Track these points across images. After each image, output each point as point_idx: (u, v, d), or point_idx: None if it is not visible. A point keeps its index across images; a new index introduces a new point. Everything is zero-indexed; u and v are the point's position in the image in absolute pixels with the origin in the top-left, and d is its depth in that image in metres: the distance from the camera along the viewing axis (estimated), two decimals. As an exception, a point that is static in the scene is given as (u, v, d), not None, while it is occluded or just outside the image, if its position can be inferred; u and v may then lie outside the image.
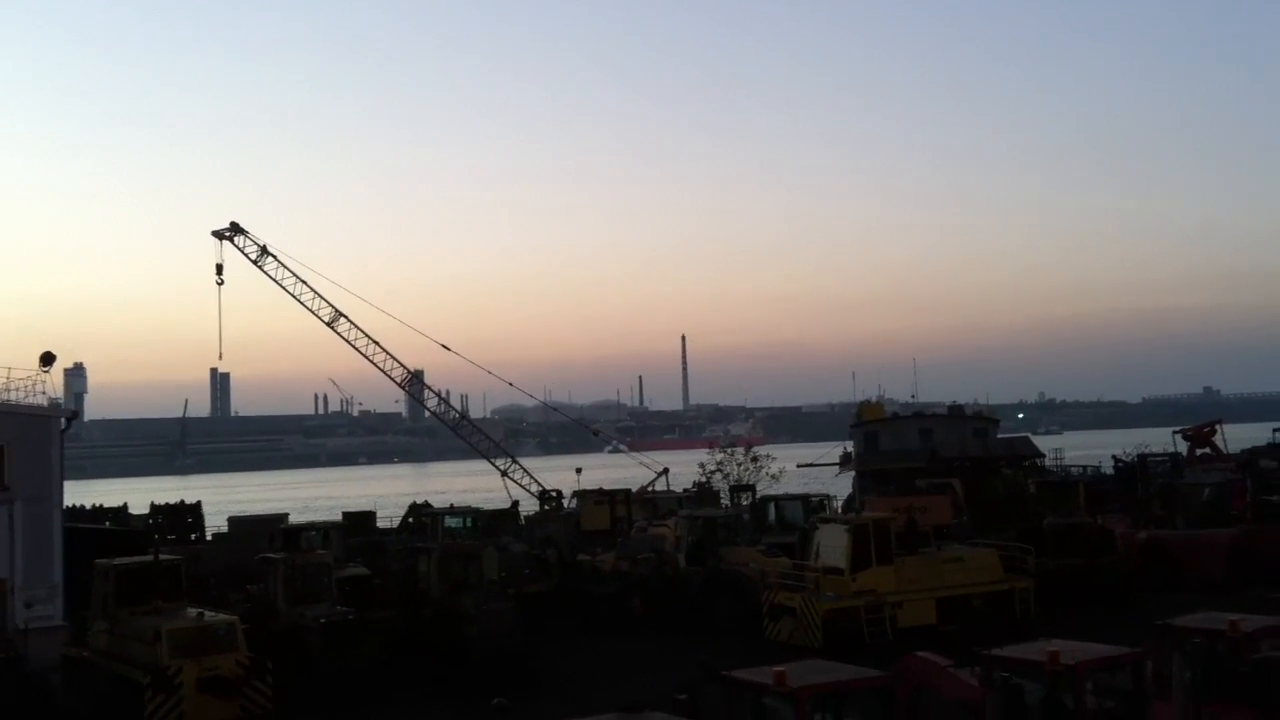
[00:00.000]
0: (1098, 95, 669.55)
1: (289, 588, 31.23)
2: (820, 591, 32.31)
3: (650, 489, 65.54)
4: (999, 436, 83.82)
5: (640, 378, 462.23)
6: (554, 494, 63.01)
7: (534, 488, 68.83)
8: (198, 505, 57.99)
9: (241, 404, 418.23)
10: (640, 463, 73.97)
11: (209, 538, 56.02)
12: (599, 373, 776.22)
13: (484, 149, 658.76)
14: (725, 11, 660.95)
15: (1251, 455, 65.45)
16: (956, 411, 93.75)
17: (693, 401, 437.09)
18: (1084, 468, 73.29)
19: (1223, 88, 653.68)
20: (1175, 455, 66.02)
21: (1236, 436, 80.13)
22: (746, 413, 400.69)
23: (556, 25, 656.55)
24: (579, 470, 69.87)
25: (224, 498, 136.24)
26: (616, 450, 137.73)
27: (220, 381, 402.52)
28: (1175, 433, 74.94)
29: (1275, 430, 78.89)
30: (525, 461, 76.96)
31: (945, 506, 44.94)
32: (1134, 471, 57.78)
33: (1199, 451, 70.96)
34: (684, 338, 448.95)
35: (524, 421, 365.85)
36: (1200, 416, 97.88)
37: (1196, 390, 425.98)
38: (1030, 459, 75.67)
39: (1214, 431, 73.35)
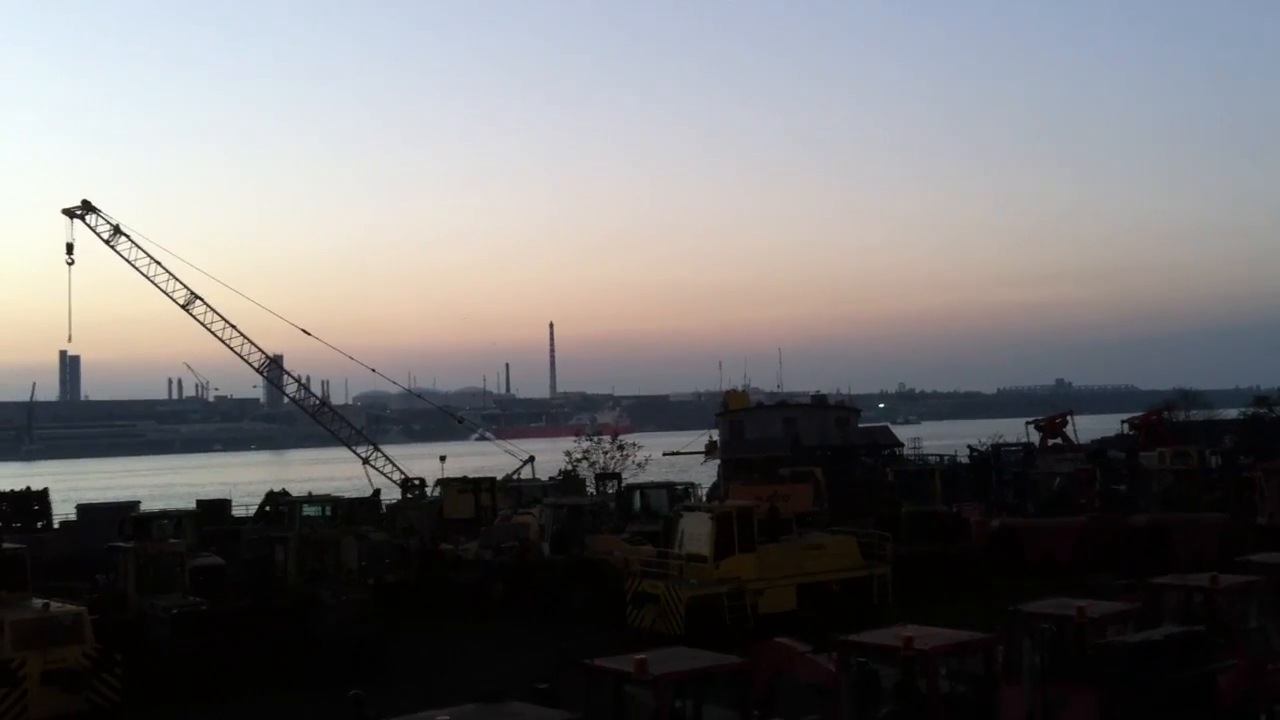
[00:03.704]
0: (962, 91, 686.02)
1: (139, 578, 30.40)
2: (684, 579, 32.50)
3: (515, 477, 65.20)
4: (860, 426, 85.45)
5: (507, 365, 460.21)
6: (417, 482, 62.27)
7: (396, 476, 67.97)
8: (45, 492, 56.03)
9: (92, 388, 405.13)
10: (506, 450, 73.45)
11: (56, 526, 54.23)
12: (465, 359, 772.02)
13: (347, 130, 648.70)
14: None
15: (1100, 446, 67.52)
16: (819, 401, 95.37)
17: (560, 389, 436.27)
18: (940, 457, 74.87)
19: (1078, 87, 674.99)
20: (1028, 445, 67.84)
21: (1086, 428, 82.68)
22: (614, 401, 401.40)
23: (421, 3, 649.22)
24: (443, 458, 69.14)
25: (73, 485, 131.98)
26: (482, 438, 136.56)
27: (70, 364, 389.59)
28: (1028, 423, 77.03)
29: (1123, 422, 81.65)
30: (388, 449, 75.80)
31: (807, 494, 45.60)
32: (988, 461, 59.16)
33: (1051, 442, 73.08)
34: (551, 325, 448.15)
35: (387, 408, 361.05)
36: (1053, 408, 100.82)
37: (1049, 382, 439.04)
38: (889, 448, 77.21)
39: (1065, 422, 75.62)
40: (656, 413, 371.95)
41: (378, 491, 61.78)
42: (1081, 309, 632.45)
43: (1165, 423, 77.52)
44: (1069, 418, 76.57)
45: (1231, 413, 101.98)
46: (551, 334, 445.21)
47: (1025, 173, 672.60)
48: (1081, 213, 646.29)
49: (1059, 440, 73.65)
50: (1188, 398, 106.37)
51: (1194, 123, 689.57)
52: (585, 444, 78.68)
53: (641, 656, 14.28)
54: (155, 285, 67.74)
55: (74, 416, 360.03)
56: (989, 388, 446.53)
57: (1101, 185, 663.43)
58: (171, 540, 35.26)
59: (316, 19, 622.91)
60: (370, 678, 24.90)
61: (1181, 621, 19.08)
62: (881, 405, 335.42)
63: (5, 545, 29.78)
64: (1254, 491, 43.81)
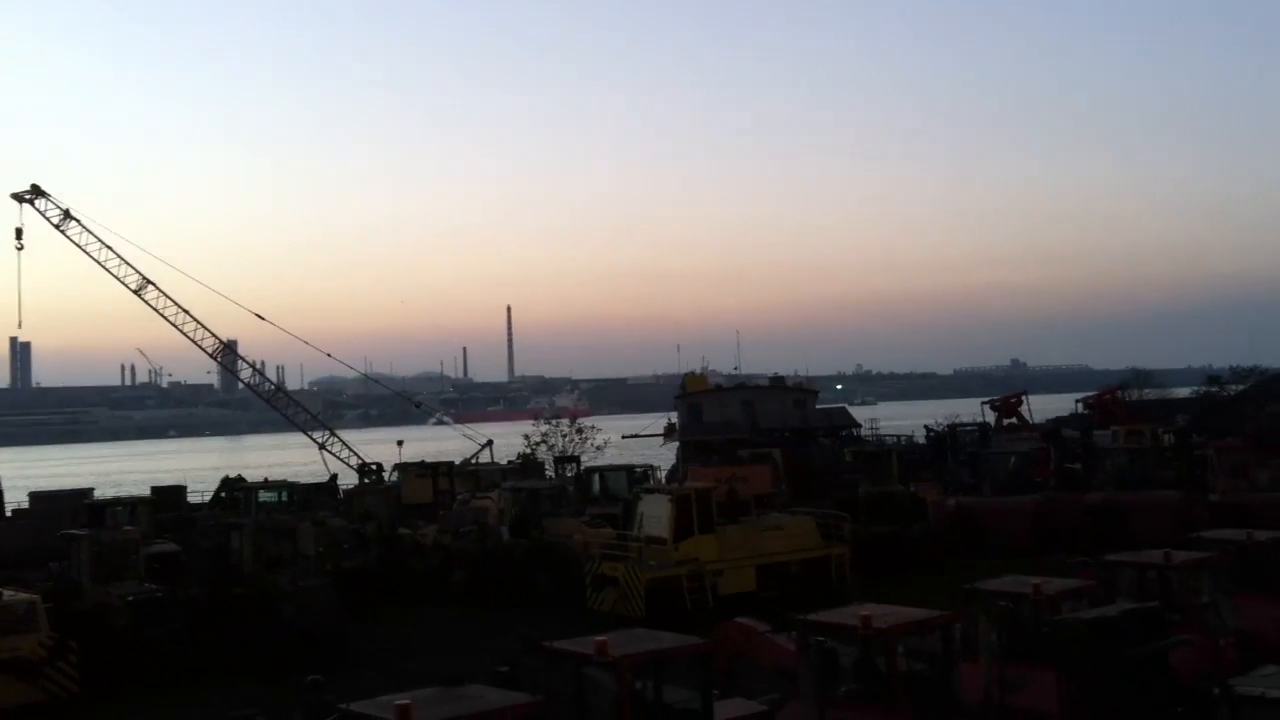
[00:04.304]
0: (917, 74, 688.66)
1: (94, 565, 30.02)
2: (643, 561, 32.53)
3: (474, 461, 65.04)
4: (818, 407, 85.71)
5: (464, 349, 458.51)
6: (374, 467, 62.01)
7: (353, 461, 67.65)
8: (-4, 480, 55.46)
9: (43, 375, 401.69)
10: (464, 435, 73.31)
11: (9, 514, 53.64)
12: (422, 344, 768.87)
13: (304, 116, 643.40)
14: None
15: (1055, 425, 68.19)
16: (778, 383, 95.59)
17: (518, 373, 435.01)
18: (898, 437, 75.30)
19: (1032, 70, 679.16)
20: (984, 425, 68.28)
21: (1041, 407, 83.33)
22: (572, 384, 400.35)
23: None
24: (400, 443, 68.91)
25: (25, 472, 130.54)
26: (440, 422, 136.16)
27: (20, 351, 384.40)
28: (984, 403, 77.53)
29: (1077, 401, 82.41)
30: (345, 434, 75.43)
31: (765, 476, 45.73)
32: (944, 441, 59.51)
33: (1006, 421, 73.58)
34: (509, 309, 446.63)
35: (343, 393, 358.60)
36: (1008, 388, 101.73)
37: (1004, 362, 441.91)
38: (847, 429, 77.53)
39: (1020, 402, 76.15)
40: (615, 396, 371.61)
41: (335, 477, 61.48)
42: (1036, 290, 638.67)
43: (1119, 402, 78.24)
44: (1024, 398, 77.17)
45: (1184, 392, 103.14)
46: (509, 318, 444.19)
47: (980, 156, 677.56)
48: (1035, 195, 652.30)
49: (1014, 420, 74.19)
50: (1141, 377, 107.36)
51: (1147, 106, 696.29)
52: (544, 427, 78.63)
53: (602, 639, 14.29)
54: (106, 270, 67.11)
55: (25, 404, 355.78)
56: (945, 369, 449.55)
57: (1054, 168, 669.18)
58: (126, 527, 34.88)
59: (273, 7, 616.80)
60: (330, 665, 24.74)
61: (1136, 598, 19.31)
62: (839, 386, 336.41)
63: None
64: (1207, 469, 44.39)
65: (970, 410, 79.10)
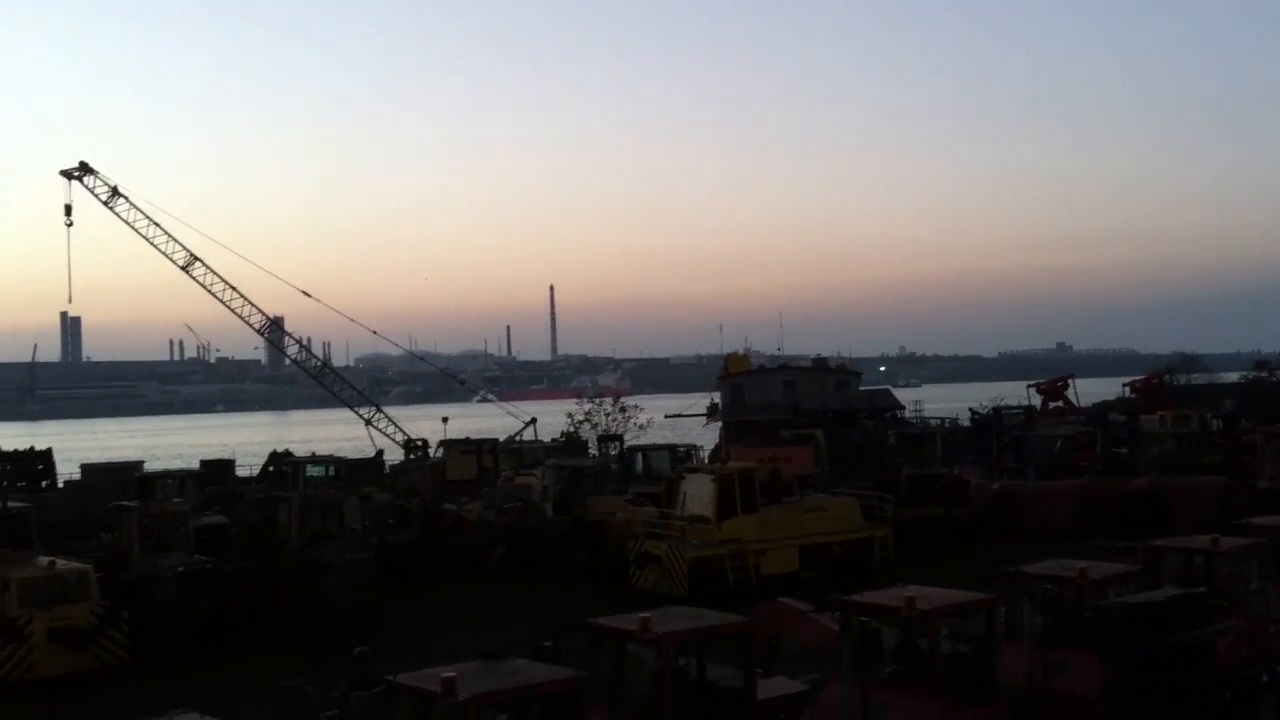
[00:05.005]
0: (962, 57, 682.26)
1: (143, 537, 30.45)
2: (686, 540, 32.63)
3: (518, 439, 65.32)
4: (861, 389, 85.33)
5: (508, 328, 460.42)
6: (419, 443, 62.40)
7: (399, 437, 68.12)
8: (48, 452, 56.14)
9: (94, 349, 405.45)
10: (508, 412, 73.58)
11: (60, 485, 54.37)
12: (466, 322, 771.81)
13: (348, 97, 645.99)
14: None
15: (1101, 409, 67.61)
16: (820, 364, 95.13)
17: (561, 352, 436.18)
18: (942, 419, 74.88)
19: (1077, 52, 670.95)
20: (1029, 408, 67.81)
21: (1087, 391, 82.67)
22: (615, 364, 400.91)
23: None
24: (445, 419, 69.27)
25: (76, 445, 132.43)
26: (484, 400, 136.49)
27: (71, 326, 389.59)
28: (1029, 386, 77.02)
29: (1124, 385, 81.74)
30: (390, 411, 75.96)
31: (808, 457, 45.57)
32: (989, 424, 59.07)
33: (1052, 405, 73.05)
34: (552, 288, 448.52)
35: (389, 370, 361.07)
36: (1053, 371, 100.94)
37: (1050, 346, 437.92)
38: (890, 411, 77.20)
39: (1066, 386, 75.63)
40: (657, 375, 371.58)
41: (381, 452, 61.88)
42: (1082, 273, 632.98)
43: (1166, 386, 77.51)
44: (1070, 381, 76.52)
45: (1232, 376, 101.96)
46: (552, 297, 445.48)
47: (1027, 139, 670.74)
48: (1083, 178, 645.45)
49: (1060, 403, 73.62)
50: (1188, 361, 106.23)
51: (1193, 89, 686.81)
52: (587, 406, 78.78)
53: (645, 615, 14.38)
54: (154, 246, 67.82)
55: (76, 378, 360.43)
56: (990, 351, 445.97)
57: (1102, 151, 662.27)
58: (175, 500, 35.33)
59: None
60: (368, 638, 24.93)
61: (1181, 584, 19.16)
62: (883, 368, 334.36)
63: (10, 504, 29.89)
64: (1254, 455, 43.89)
65: (1016, 393, 78.57)
